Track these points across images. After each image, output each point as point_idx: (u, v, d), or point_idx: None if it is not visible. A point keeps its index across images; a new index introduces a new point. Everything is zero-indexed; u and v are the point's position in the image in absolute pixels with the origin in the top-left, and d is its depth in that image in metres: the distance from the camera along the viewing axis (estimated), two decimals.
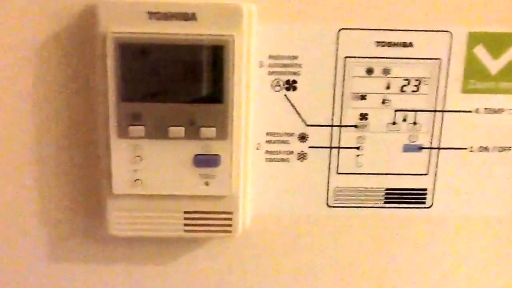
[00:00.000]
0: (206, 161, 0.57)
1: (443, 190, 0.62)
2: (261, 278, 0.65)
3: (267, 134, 0.60)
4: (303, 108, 0.60)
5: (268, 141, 0.61)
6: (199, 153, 0.57)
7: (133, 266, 0.64)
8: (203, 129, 0.56)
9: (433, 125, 0.60)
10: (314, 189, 0.62)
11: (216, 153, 0.57)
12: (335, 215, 0.63)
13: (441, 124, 0.60)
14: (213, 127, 0.56)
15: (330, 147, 0.61)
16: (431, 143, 0.61)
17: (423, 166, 0.61)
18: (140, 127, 0.56)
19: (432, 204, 0.63)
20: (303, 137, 0.60)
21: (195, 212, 0.59)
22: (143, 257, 0.64)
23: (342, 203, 0.62)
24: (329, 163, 0.61)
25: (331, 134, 0.60)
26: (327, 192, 0.62)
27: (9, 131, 0.59)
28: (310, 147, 0.61)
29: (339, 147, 0.61)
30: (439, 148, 0.61)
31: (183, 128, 0.56)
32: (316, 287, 0.66)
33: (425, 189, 0.62)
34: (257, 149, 0.61)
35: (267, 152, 0.61)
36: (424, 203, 0.63)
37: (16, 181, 0.61)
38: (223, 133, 0.56)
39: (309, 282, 0.65)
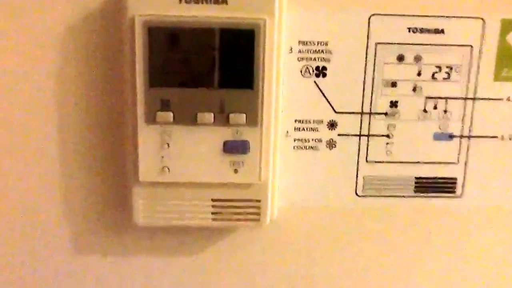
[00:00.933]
0: (235, 148, 0.56)
1: (473, 179, 0.61)
2: (288, 269, 0.64)
3: (295, 121, 0.59)
4: (333, 95, 0.59)
5: (297, 129, 0.59)
6: (228, 140, 0.55)
7: (158, 257, 0.63)
8: (232, 115, 0.55)
9: (464, 113, 0.59)
10: (343, 178, 0.61)
11: (246, 140, 0.56)
12: (364, 205, 0.62)
13: (472, 112, 0.59)
14: (242, 113, 0.55)
15: (360, 135, 0.60)
16: (462, 131, 0.60)
17: (454, 154, 0.60)
18: (168, 113, 0.55)
19: (462, 193, 0.62)
20: (332, 125, 0.59)
21: (223, 200, 0.58)
22: (169, 247, 0.63)
23: (371, 192, 0.61)
24: (359, 151, 0.60)
25: (361, 122, 0.59)
26: (356, 181, 0.61)
27: (32, 118, 0.58)
28: (339, 134, 0.60)
29: (368, 135, 0.60)
30: (470, 137, 0.60)
31: (212, 114, 0.55)
32: (345, 278, 0.65)
33: (455, 178, 0.61)
34: (286, 136, 0.59)
35: (295, 139, 0.60)
36: (454, 192, 0.62)
37: (39, 169, 0.60)
38: (253, 119, 0.55)
39: (337, 273, 0.64)
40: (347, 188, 0.61)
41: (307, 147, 0.60)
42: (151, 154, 0.56)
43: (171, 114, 0.55)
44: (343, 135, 0.60)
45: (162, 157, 0.56)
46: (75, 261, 0.63)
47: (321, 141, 0.60)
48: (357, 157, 0.60)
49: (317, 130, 0.60)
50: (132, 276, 0.64)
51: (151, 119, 0.55)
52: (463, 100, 0.59)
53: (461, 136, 0.60)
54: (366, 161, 0.60)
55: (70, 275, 0.63)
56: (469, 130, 0.60)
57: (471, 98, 0.59)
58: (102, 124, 0.58)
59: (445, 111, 0.59)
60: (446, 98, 0.59)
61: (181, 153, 0.56)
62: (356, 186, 0.61)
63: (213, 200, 0.58)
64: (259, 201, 0.58)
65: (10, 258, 0.62)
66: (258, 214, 0.58)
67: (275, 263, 0.64)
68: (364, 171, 0.61)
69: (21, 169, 0.59)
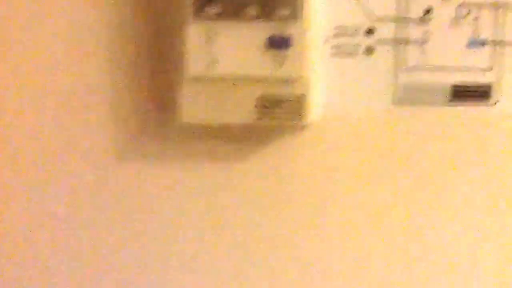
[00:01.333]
0: (279, 41, 0.57)
1: (508, 86, 0.62)
2: (327, 176, 0.64)
3: (334, 28, 0.61)
4: (370, 1, 0.60)
5: (335, 35, 0.61)
6: (272, 34, 0.57)
7: (202, 161, 0.63)
8: (277, 8, 0.57)
9: (497, 19, 0.61)
10: (380, 85, 0.62)
11: (290, 34, 0.57)
12: (401, 112, 0.63)
13: (505, 18, 0.61)
14: (287, 6, 0.57)
15: (396, 41, 0.61)
16: (495, 37, 0.61)
17: (488, 61, 0.62)
18: (215, 7, 0.56)
19: (498, 100, 0.63)
20: (370, 31, 0.61)
21: (267, 96, 0.58)
22: (213, 151, 0.63)
23: (408, 100, 0.62)
24: (396, 58, 0.61)
25: (397, 28, 0.61)
26: (394, 88, 0.62)
27: (78, 24, 0.59)
28: (377, 41, 0.61)
29: (405, 42, 0.61)
30: (503, 43, 0.61)
31: (258, 7, 0.56)
32: (381, 185, 0.64)
33: (490, 85, 0.62)
34: (324, 43, 0.61)
35: (334, 46, 0.61)
36: (489, 99, 0.63)
37: (85, 70, 0.61)
38: (296, 12, 0.57)
39: (373, 180, 0.64)
40: (385, 95, 0.62)
41: (345, 54, 0.61)
42: (198, 48, 0.57)
43: (218, 8, 0.56)
44: (380, 41, 0.61)
45: (209, 51, 0.57)
46: (117, 164, 0.63)
47: (359, 47, 0.61)
48: (394, 64, 0.62)
49: (355, 37, 0.61)
50: (173, 180, 0.63)
51: (198, 14, 0.57)
52: (496, 6, 0.61)
53: (495, 43, 0.61)
54: (403, 68, 0.62)
55: (114, 179, 0.63)
56: (503, 36, 0.61)
57: (503, 5, 0.61)
58: (148, 19, 0.60)
59: (478, 18, 0.61)
60: (478, 4, 0.61)
61: (227, 47, 0.57)
62: (393, 93, 0.62)
63: (257, 97, 0.59)
64: (302, 97, 0.59)
65: (52, 163, 0.62)
66: (301, 111, 0.59)
67: (313, 169, 0.64)
68: (401, 78, 0.62)
69: (66, 70, 0.60)
